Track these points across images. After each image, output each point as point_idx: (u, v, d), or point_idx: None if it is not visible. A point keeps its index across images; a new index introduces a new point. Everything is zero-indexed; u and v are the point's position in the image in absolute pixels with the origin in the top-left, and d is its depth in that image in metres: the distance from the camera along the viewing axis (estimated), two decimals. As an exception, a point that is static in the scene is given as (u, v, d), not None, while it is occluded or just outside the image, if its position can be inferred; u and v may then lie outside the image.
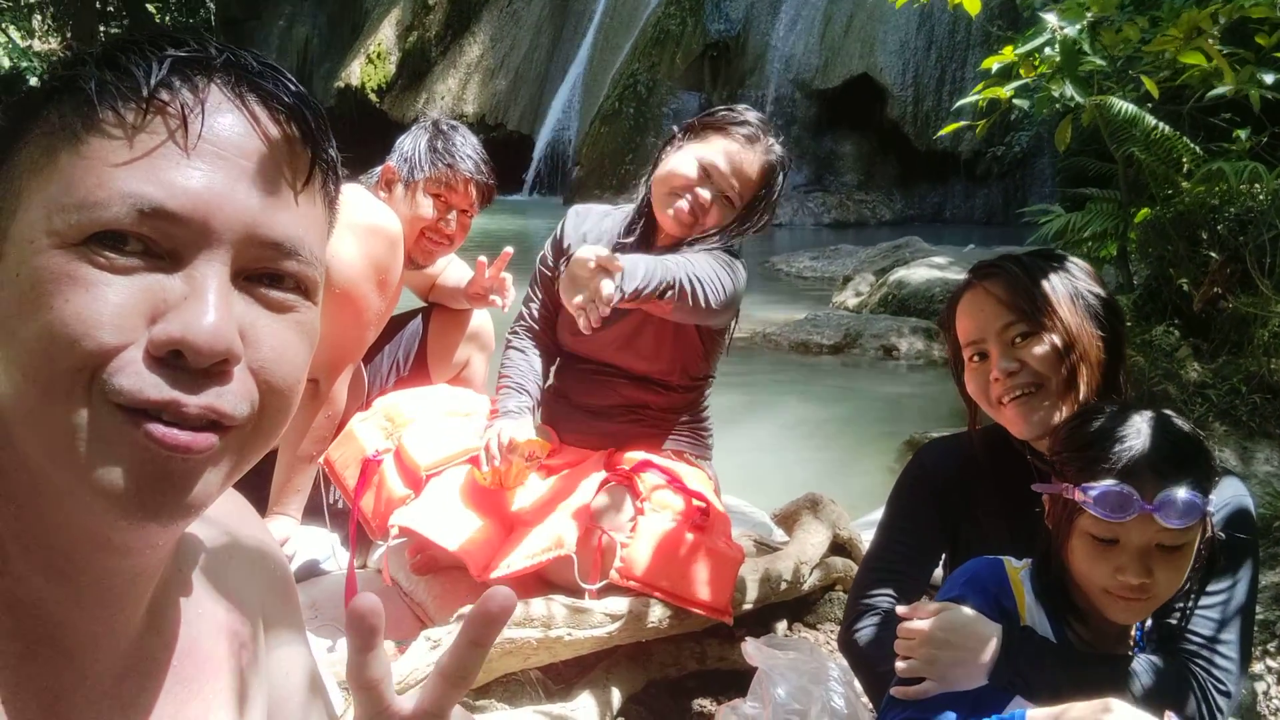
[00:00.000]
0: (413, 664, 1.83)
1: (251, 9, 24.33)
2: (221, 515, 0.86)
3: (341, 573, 2.57)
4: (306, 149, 0.69)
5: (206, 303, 0.61)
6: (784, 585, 2.30)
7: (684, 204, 2.26)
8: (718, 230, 2.31)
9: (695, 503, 2.20)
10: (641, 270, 1.94)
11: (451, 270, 2.96)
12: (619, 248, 2.36)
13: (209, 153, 0.63)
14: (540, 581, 2.22)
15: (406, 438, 2.38)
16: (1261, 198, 4.22)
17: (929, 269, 7.44)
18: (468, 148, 2.64)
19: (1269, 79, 3.96)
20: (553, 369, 2.59)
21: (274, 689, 0.86)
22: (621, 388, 2.43)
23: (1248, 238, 4.19)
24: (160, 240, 0.62)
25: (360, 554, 2.62)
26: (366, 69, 20.73)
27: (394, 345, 3.00)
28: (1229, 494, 1.56)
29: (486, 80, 19.98)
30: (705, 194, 2.26)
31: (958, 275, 7.14)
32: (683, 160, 2.28)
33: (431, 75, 20.41)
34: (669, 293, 1.99)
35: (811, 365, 6.18)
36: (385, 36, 20.99)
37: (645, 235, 2.40)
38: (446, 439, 2.40)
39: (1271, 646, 2.63)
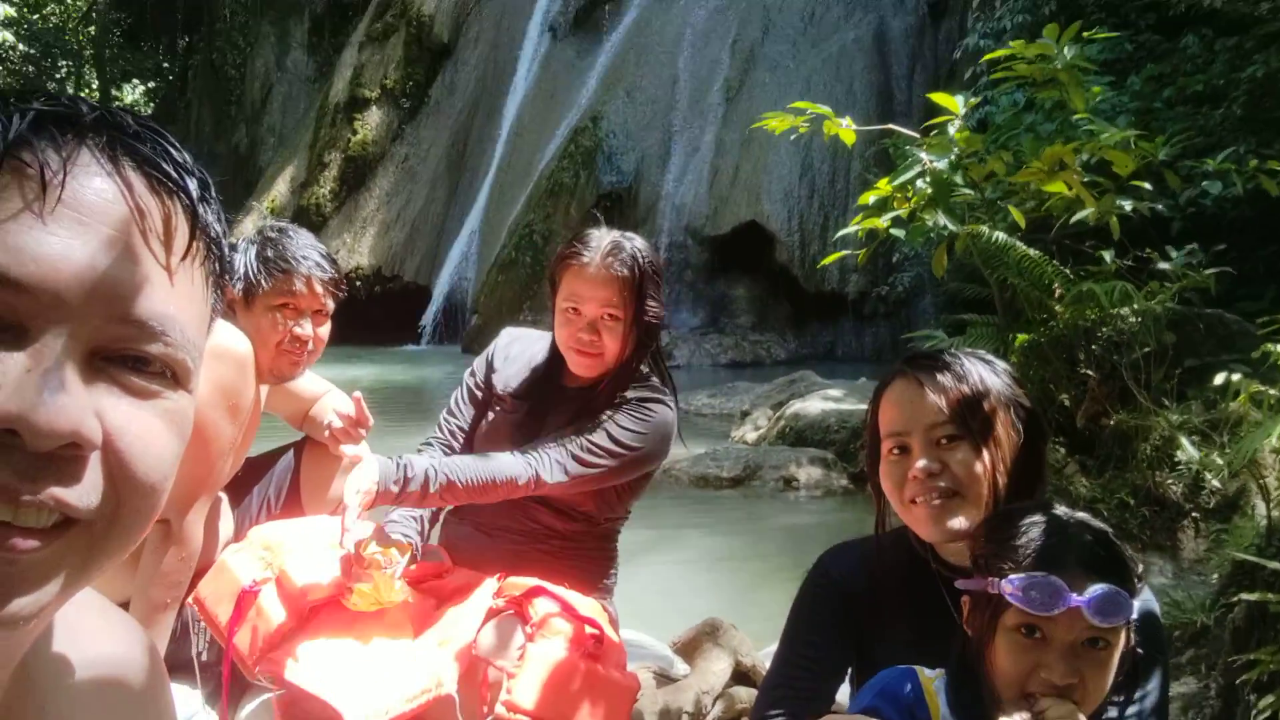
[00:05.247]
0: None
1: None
2: (112, 652, 0.75)
3: (208, 734, 2.32)
4: (187, 221, 0.62)
5: (50, 377, 0.53)
6: (686, 718, 2.15)
7: (575, 355, 2.30)
8: (624, 361, 2.34)
9: (588, 629, 2.07)
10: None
11: (327, 400, 2.81)
12: (536, 384, 2.41)
13: (69, 218, 0.56)
14: (418, 728, 2.02)
15: (289, 564, 2.20)
16: (1132, 320, 4.41)
17: (824, 401, 7.53)
18: (303, 247, 2.49)
19: (1127, 205, 4.21)
20: None
21: None
22: (530, 511, 2.34)
23: (1121, 356, 4.35)
24: (3, 312, 0.54)
25: (231, 706, 2.36)
26: (260, 225, 20.65)
27: (264, 484, 2.81)
28: (1140, 599, 1.51)
29: (383, 233, 20.09)
30: (585, 336, 2.28)
31: (853, 406, 7.24)
32: (557, 313, 2.34)
33: (327, 229, 20.44)
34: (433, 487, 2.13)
35: (713, 499, 6.10)
36: (279, 193, 21.03)
37: (559, 375, 2.42)
38: (332, 567, 2.21)
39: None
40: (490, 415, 2.46)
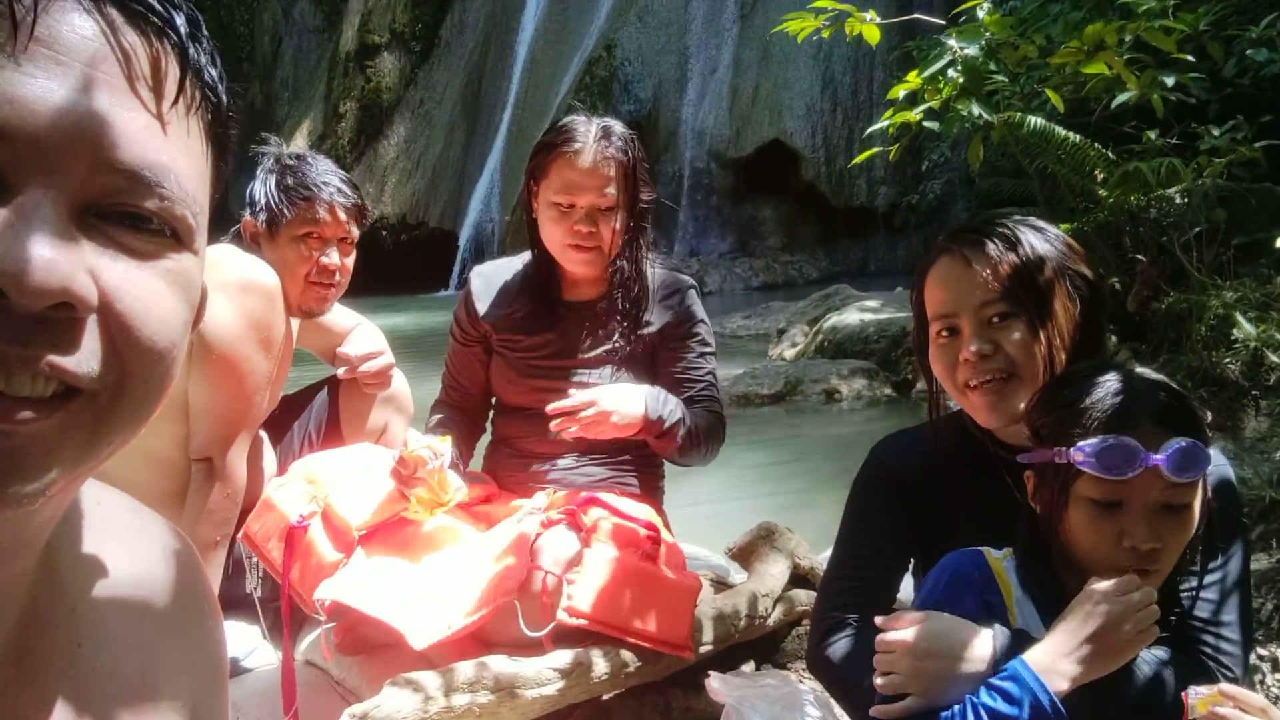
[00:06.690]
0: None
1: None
2: (146, 552, 0.71)
3: (267, 668, 2.32)
4: (177, 63, 0.57)
5: (35, 231, 0.49)
6: (744, 621, 2.11)
7: (572, 252, 2.24)
8: (623, 255, 2.29)
9: (643, 532, 2.03)
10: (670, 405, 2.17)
11: (356, 335, 2.77)
12: (538, 311, 2.35)
13: (45, 58, 0.51)
14: (479, 643, 2.00)
15: (334, 497, 2.17)
16: (1179, 200, 4.24)
17: (861, 312, 7.41)
18: (323, 173, 2.42)
19: (1170, 81, 4.01)
20: (489, 421, 2.51)
21: None
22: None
23: (1170, 237, 4.20)
24: None
25: (291, 638, 2.36)
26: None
27: (303, 420, 2.78)
28: (1213, 461, 1.44)
29: (403, 181, 20.00)
30: (582, 228, 2.21)
31: (892, 315, 7.11)
32: (545, 211, 2.25)
33: (348, 181, 20.39)
34: (681, 431, 2.17)
35: (755, 416, 6.05)
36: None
37: (558, 291, 2.36)
38: (377, 494, 2.19)
39: (1259, 635, 2.53)
40: (504, 361, 2.38)
